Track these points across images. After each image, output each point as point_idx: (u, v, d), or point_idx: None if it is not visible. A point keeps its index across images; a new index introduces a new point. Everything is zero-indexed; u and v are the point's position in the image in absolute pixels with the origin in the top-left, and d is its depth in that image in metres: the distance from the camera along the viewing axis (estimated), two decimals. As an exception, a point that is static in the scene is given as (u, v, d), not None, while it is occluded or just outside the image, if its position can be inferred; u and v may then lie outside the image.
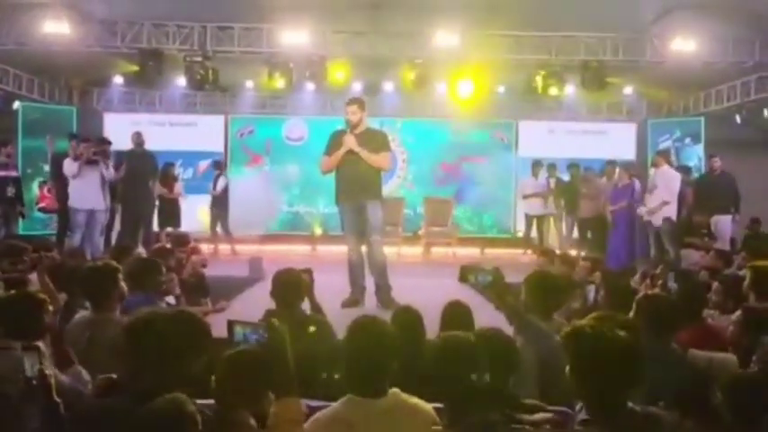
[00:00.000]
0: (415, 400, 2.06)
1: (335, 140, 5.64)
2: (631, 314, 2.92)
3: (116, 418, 1.64)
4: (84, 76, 11.77)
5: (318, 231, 11.48)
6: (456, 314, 3.22)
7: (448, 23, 8.67)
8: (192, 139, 12.11)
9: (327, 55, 9.11)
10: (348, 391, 2.05)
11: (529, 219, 10.83)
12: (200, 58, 8.85)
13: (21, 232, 8.71)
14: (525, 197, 10.84)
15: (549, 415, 2.17)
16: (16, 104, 10.58)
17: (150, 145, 9.17)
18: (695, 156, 11.09)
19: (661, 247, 8.00)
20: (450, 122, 12.08)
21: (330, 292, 4.61)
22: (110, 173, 7.76)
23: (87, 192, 7.57)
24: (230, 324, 1.99)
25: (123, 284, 3.14)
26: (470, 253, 10.47)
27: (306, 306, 3.51)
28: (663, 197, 8.01)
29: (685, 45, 8.71)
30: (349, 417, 2.00)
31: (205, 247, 8.07)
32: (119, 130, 10.67)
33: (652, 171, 8.38)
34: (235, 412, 1.81)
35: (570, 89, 10.31)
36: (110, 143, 8.40)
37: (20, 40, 8.76)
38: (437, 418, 2.04)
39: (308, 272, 3.60)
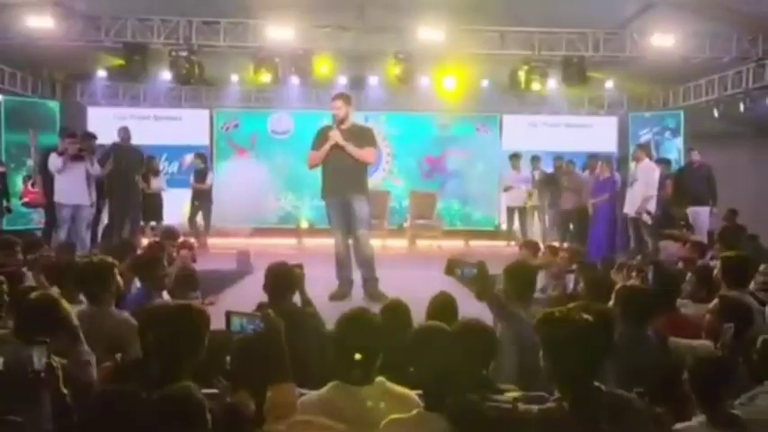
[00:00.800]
0: (400, 388, 2.17)
1: (322, 136, 5.74)
2: (610, 303, 3.07)
3: (127, 404, 1.74)
4: (67, 70, 11.72)
5: (305, 225, 11.55)
6: (441, 305, 3.34)
7: (432, 19, 8.76)
8: (176, 133, 12.12)
9: (313, 49, 9.16)
10: (336, 378, 2.16)
11: (510, 211, 11.00)
12: (185, 53, 8.86)
13: (4, 227, 8.71)
14: (506, 189, 10.99)
15: (519, 393, 2.30)
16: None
17: (135, 139, 9.17)
18: (674, 149, 11.32)
19: (640, 238, 8.21)
20: (435, 116, 12.20)
21: (318, 285, 4.69)
22: (95, 168, 7.77)
23: (72, 187, 7.57)
24: (228, 315, 2.09)
25: (120, 279, 3.23)
26: (455, 245, 10.61)
27: (297, 300, 3.61)
28: (645, 192, 8.20)
29: (664, 40, 8.88)
30: (335, 401, 2.10)
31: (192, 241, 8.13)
32: (103, 123, 10.65)
33: (633, 165, 8.56)
34: (237, 399, 1.92)
35: (552, 84, 10.46)
36: (95, 138, 8.39)
37: (4, 34, 8.70)
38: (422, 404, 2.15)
39: (300, 266, 3.71)
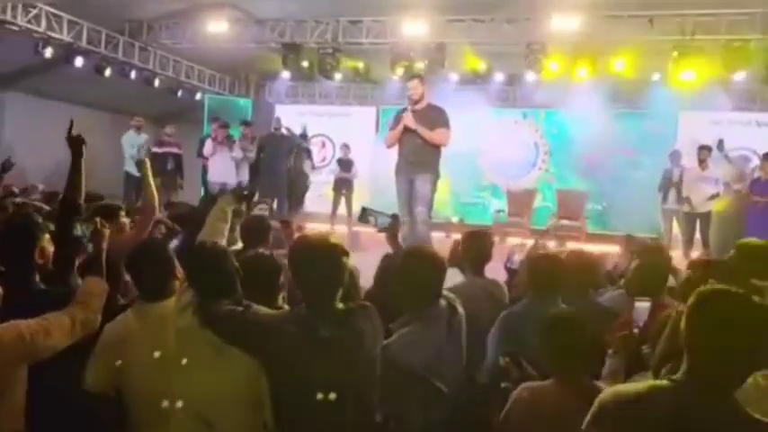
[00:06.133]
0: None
1: (398, 118, 5.97)
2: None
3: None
4: (258, 72, 13.31)
5: (454, 219, 11.64)
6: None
7: (571, 5, 8.35)
8: (346, 128, 13.04)
9: (446, 43, 9.31)
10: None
11: (688, 218, 8.96)
12: (331, 50, 9.63)
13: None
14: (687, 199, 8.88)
15: None
16: (198, 96, 12.41)
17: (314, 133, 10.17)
18: None
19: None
20: (597, 113, 11.45)
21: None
22: (235, 153, 8.94)
23: (220, 168, 8.92)
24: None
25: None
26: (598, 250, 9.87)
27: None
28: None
29: None
30: (132, 316, 2.37)
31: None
32: (287, 119, 11.85)
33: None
34: None
35: (740, 76, 9.23)
36: (249, 125, 9.58)
37: (193, 39, 10.25)
38: None
39: (286, 223, 4.04)
